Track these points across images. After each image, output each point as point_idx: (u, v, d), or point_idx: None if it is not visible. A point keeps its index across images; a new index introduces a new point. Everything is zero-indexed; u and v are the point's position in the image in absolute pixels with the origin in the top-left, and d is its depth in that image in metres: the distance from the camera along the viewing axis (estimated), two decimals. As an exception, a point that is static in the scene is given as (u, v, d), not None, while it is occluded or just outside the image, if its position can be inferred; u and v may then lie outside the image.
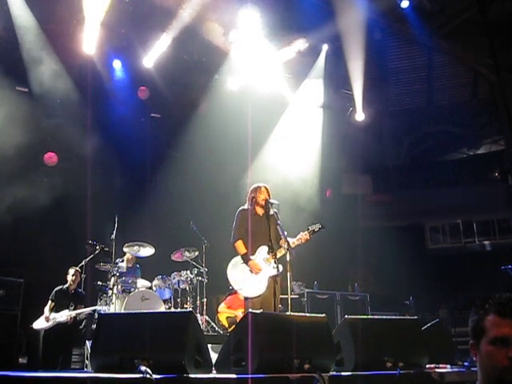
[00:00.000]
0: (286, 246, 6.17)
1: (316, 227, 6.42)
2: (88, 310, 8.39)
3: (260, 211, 6.51)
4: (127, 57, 11.57)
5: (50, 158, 11.21)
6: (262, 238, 6.36)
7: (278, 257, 6.24)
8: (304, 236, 6.33)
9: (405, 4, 11.16)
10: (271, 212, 6.45)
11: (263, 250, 6.31)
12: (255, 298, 6.12)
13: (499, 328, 1.87)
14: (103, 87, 11.49)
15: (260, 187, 6.58)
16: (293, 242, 6.25)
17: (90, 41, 10.31)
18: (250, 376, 3.86)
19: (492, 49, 11.56)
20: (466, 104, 15.26)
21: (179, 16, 10.44)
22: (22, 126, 10.03)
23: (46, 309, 8.23)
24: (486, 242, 16.68)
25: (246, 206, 6.61)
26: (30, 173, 10.35)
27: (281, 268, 6.20)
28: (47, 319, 8.08)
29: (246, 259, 6.26)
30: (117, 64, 11.71)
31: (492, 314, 1.91)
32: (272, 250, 6.26)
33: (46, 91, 10.47)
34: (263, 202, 6.48)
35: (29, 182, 10.28)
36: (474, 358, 1.97)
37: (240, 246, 6.34)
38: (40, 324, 8.12)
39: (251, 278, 6.18)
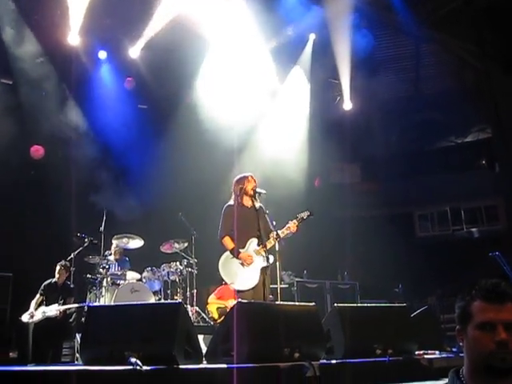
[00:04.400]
0: (275, 236, 6.18)
1: (304, 215, 6.43)
2: (78, 305, 8.35)
3: (247, 202, 6.49)
4: (113, 47, 11.46)
5: (37, 150, 11.11)
6: (251, 231, 6.36)
7: (267, 248, 6.25)
8: (292, 224, 6.32)
9: (391, -7, 11.16)
10: (257, 204, 6.46)
11: (253, 243, 6.32)
12: (248, 290, 6.13)
13: (485, 313, 1.89)
14: (89, 78, 11.39)
15: (247, 177, 6.55)
16: (282, 231, 6.25)
17: (74, 31, 10.18)
18: (239, 366, 3.87)
19: (478, 38, 11.59)
20: (453, 92, 15.26)
21: (165, 6, 10.37)
22: (6, 119, 9.93)
23: (33, 303, 8.18)
24: (474, 229, 16.81)
25: (231, 202, 6.58)
26: (17, 166, 10.26)
27: (271, 259, 6.22)
28: (31, 315, 8.02)
29: (235, 253, 6.25)
30: (102, 55, 11.60)
31: (478, 300, 1.93)
32: (262, 242, 6.27)
33: (30, 83, 10.35)
34: (252, 192, 6.47)
35: (15, 175, 10.20)
36: (461, 344, 1.99)
37: (227, 241, 6.33)
38: (28, 317, 8.07)
39: (243, 271, 6.18)
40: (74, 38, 10.25)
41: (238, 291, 6.20)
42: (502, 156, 13.26)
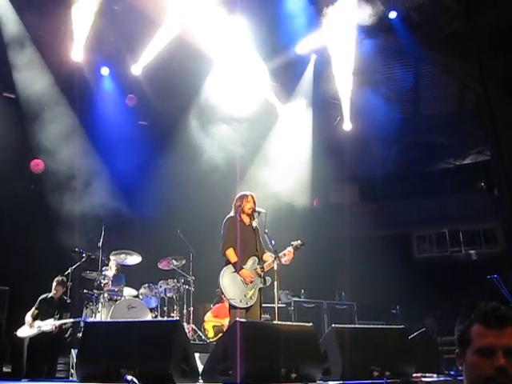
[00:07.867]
0: (273, 255, 6.19)
1: (297, 243, 6.44)
2: (73, 320, 8.29)
3: (247, 220, 6.51)
4: (115, 64, 11.55)
5: (37, 164, 11.13)
6: (250, 248, 6.35)
7: (266, 270, 6.26)
8: (289, 252, 6.31)
9: (392, 15, 11.29)
10: (254, 224, 6.46)
11: (253, 261, 6.31)
12: (244, 308, 6.09)
13: (484, 338, 1.87)
14: (91, 94, 11.45)
15: (246, 196, 6.56)
16: (281, 254, 6.27)
17: (78, 48, 10.27)
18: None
19: (478, 60, 11.67)
20: (452, 114, 15.37)
21: (168, 23, 10.47)
22: (8, 133, 9.96)
23: (28, 315, 8.11)
24: (472, 252, 16.79)
25: (232, 214, 6.59)
26: (17, 180, 10.26)
27: (268, 281, 6.21)
28: (30, 325, 7.96)
29: (237, 268, 6.21)
30: (105, 71, 11.69)
31: (477, 324, 1.90)
32: (260, 262, 6.28)
33: (33, 98, 10.41)
34: (250, 211, 6.48)
35: (15, 189, 10.20)
36: (460, 368, 1.97)
37: (232, 253, 6.25)
38: (24, 331, 8.01)
39: (243, 287, 6.15)
40: (77, 54, 10.33)
41: (234, 307, 6.13)
42: (500, 179, 13.29)
